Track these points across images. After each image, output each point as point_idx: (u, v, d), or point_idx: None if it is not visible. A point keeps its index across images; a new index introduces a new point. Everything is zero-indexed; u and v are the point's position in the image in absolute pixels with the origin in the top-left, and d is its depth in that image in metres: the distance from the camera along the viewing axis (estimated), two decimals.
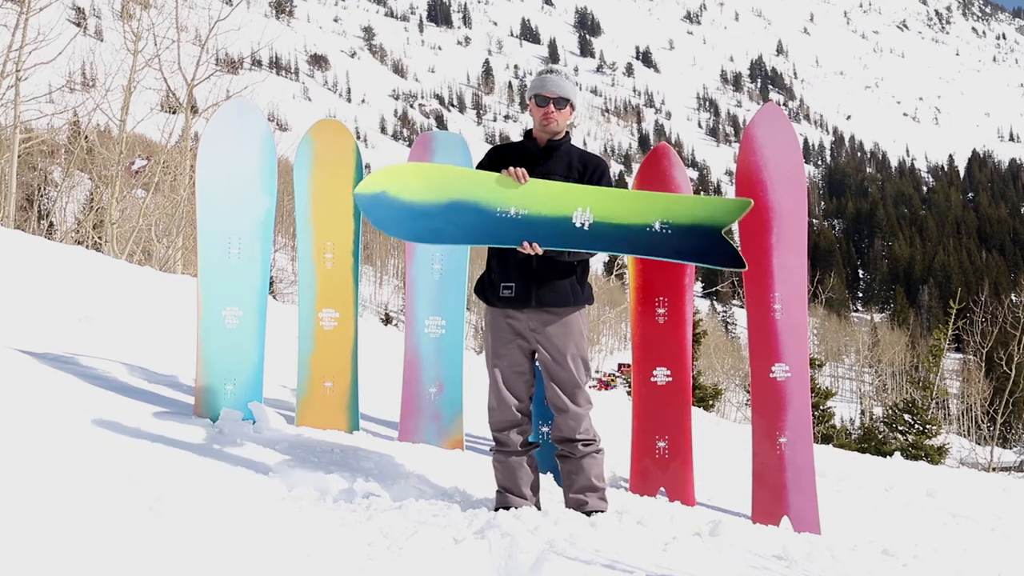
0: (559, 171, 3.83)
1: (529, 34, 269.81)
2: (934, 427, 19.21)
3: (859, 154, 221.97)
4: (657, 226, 3.77)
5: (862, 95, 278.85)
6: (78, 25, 25.58)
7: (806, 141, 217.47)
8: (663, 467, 4.71)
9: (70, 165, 20.78)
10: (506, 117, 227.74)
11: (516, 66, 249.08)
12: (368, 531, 3.20)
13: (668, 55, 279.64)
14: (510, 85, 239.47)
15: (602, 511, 3.80)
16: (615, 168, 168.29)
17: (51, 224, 22.07)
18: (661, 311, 4.74)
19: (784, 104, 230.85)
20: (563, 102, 3.82)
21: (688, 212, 3.80)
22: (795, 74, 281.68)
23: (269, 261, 4.87)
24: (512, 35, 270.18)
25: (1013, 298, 40.57)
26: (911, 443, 18.50)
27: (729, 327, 79.34)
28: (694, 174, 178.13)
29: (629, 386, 14.42)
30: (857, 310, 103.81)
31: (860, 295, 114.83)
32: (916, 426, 19.00)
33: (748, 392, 8.79)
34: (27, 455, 3.19)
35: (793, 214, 4.49)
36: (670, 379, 4.74)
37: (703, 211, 3.81)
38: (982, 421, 33.29)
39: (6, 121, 16.06)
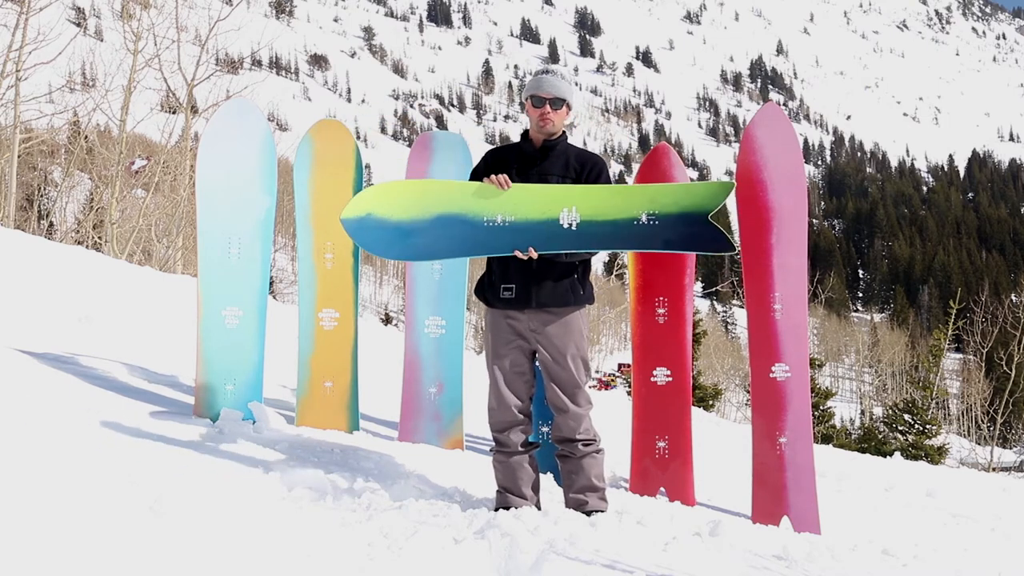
0: (556, 171, 3.82)
1: (529, 34, 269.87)
2: (934, 427, 19.22)
3: (859, 154, 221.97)
4: (644, 218, 3.77)
5: (862, 95, 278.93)
6: (78, 25, 25.56)
7: (806, 141, 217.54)
8: (663, 467, 4.71)
9: (70, 165, 20.78)
10: (506, 117, 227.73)
11: (516, 66, 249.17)
12: (368, 531, 3.20)
13: (668, 55, 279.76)
14: (510, 85, 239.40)
15: (602, 511, 3.80)
16: (615, 168, 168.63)
17: (51, 224, 22.07)
18: (661, 311, 4.74)
19: (784, 104, 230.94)
20: (559, 102, 3.81)
21: (673, 200, 3.81)
22: (795, 74, 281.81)
23: (269, 261, 4.87)
24: (512, 35, 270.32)
25: (1013, 298, 40.59)
26: (911, 443, 18.50)
27: (729, 327, 79.36)
28: (694, 174, 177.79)
29: (629, 386, 14.44)
30: (857, 310, 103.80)
31: (860, 295, 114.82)
32: (916, 426, 19.01)
33: (748, 392, 8.79)
34: (27, 455, 3.19)
35: (793, 214, 4.49)
36: (670, 379, 4.74)
37: (688, 198, 3.81)
38: (982, 421, 33.31)
39: (6, 121, 16.07)
